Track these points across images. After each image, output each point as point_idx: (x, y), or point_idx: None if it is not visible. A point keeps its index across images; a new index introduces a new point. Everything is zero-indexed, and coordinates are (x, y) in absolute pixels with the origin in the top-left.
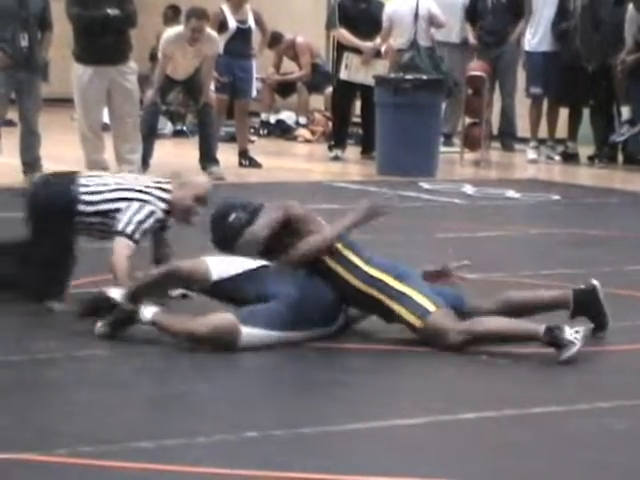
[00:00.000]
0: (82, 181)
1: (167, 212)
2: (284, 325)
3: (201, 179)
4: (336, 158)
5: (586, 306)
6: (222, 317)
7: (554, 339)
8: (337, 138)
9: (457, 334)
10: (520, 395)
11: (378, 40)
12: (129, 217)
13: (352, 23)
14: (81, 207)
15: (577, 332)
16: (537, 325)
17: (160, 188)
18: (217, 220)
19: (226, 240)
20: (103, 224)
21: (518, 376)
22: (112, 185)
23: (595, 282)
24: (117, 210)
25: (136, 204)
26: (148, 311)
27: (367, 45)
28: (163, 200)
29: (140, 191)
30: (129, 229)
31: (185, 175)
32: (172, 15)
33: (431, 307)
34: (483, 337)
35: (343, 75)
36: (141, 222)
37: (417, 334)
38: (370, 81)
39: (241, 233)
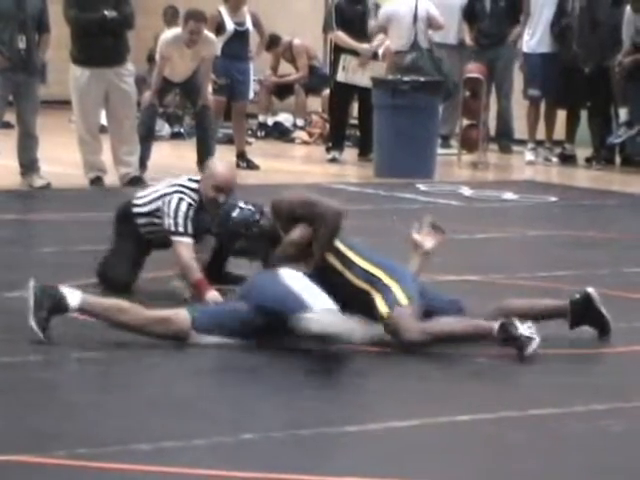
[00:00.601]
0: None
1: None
2: (249, 329)
3: (220, 168)
4: (334, 160)
5: (584, 315)
6: (176, 316)
7: (509, 335)
8: (334, 140)
9: (416, 333)
10: (517, 397)
11: (375, 42)
12: (172, 215)
13: (349, 25)
14: (134, 209)
15: (530, 327)
16: (491, 323)
17: (191, 179)
18: (222, 220)
19: (231, 237)
20: (152, 224)
21: (515, 378)
22: (156, 186)
23: (589, 289)
24: (157, 209)
25: (169, 198)
26: (74, 297)
27: (364, 47)
28: (195, 190)
29: (173, 185)
30: (180, 228)
31: (208, 165)
32: (172, 15)
33: (403, 300)
34: (439, 338)
35: (340, 77)
36: (185, 216)
37: (384, 327)
38: (367, 83)
39: (247, 230)
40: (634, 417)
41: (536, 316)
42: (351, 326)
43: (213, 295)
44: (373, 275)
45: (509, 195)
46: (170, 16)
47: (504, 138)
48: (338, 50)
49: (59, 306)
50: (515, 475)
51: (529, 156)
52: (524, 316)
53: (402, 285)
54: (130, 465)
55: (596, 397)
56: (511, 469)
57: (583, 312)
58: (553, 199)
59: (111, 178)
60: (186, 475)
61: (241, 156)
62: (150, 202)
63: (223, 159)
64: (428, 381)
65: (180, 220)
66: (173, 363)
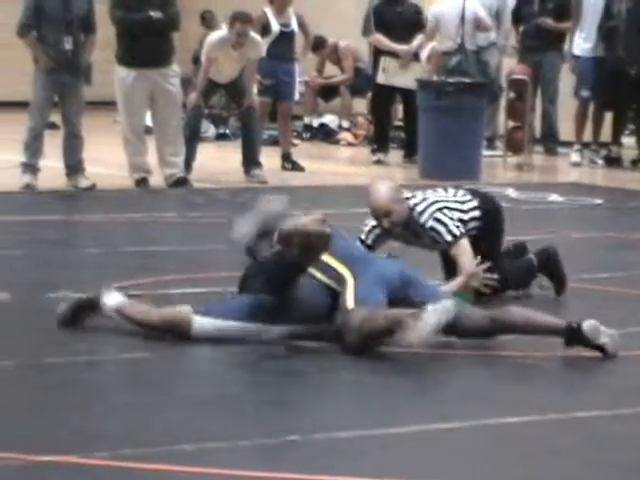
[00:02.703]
0: None
1: None
2: (251, 317)
3: (367, 194)
4: (379, 162)
5: (577, 343)
6: (176, 310)
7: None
8: (379, 142)
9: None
10: (564, 399)
11: (415, 42)
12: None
13: (388, 27)
14: None
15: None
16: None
17: None
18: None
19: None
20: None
21: (562, 380)
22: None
23: (586, 323)
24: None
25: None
26: (112, 299)
27: (404, 48)
28: None
29: None
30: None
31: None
32: (209, 19)
33: (350, 304)
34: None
35: (380, 79)
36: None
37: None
38: (408, 84)
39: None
40: None
41: (532, 331)
42: None
43: None
44: (338, 272)
45: (554, 197)
46: (208, 21)
47: (549, 140)
48: (378, 52)
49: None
50: (561, 478)
51: (575, 157)
52: (520, 330)
53: (358, 284)
54: (173, 466)
55: None
56: (557, 472)
57: (575, 341)
58: (598, 201)
59: (156, 179)
60: (229, 476)
61: (286, 158)
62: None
63: (376, 180)
64: (473, 383)
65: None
66: (215, 364)
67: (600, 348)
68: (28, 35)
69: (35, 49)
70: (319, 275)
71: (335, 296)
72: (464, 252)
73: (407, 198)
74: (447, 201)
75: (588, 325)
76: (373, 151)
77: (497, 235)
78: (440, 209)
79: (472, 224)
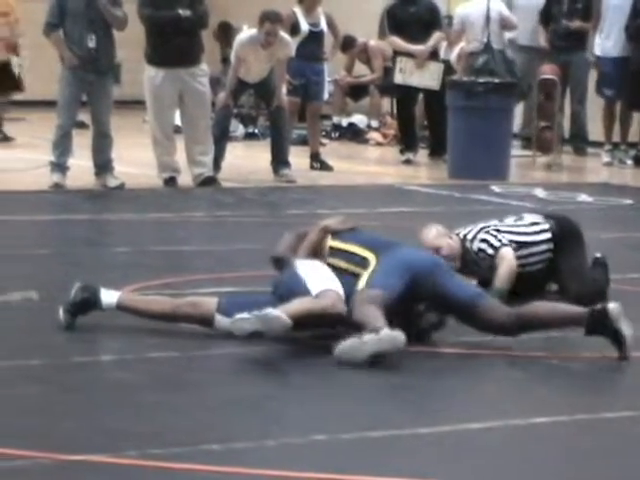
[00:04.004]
0: None
1: None
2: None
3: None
4: (408, 161)
5: (599, 328)
6: (204, 300)
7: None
8: (406, 142)
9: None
10: (592, 400)
11: (431, 42)
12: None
13: (402, 28)
14: None
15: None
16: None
17: None
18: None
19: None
20: None
21: (590, 381)
22: None
23: (610, 305)
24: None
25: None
26: (110, 296)
27: (419, 48)
28: None
29: None
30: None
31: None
32: (224, 30)
33: (360, 284)
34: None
35: (398, 79)
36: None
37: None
38: (426, 84)
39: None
40: None
41: (557, 324)
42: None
43: None
44: (364, 258)
45: (583, 197)
46: (221, 32)
47: (578, 140)
48: (395, 53)
49: (93, 304)
50: (587, 478)
51: (606, 157)
52: (544, 324)
53: (376, 267)
54: (201, 465)
55: None
56: (586, 473)
57: (598, 326)
58: (628, 202)
59: (185, 178)
60: (256, 476)
61: (315, 157)
62: None
63: (428, 226)
64: (501, 383)
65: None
66: (242, 364)
67: (617, 333)
68: (53, 34)
69: (60, 47)
70: (344, 264)
71: None
72: (503, 259)
73: (457, 233)
74: (498, 225)
75: (613, 307)
76: (402, 151)
77: (575, 255)
78: (486, 231)
79: (543, 246)
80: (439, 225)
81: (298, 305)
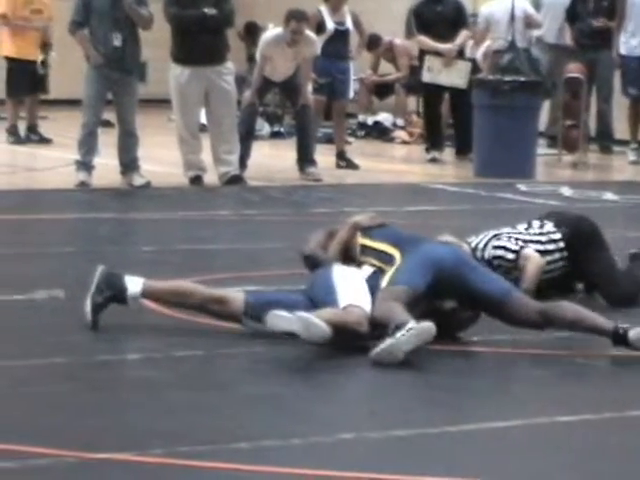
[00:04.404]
0: None
1: None
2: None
3: None
4: (434, 160)
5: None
6: (233, 299)
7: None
8: (432, 140)
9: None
10: (618, 398)
11: (458, 40)
12: None
13: (429, 27)
14: None
15: None
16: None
17: None
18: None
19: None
20: None
21: (615, 378)
22: None
23: (632, 331)
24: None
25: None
26: (136, 285)
27: (447, 47)
28: None
29: None
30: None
31: None
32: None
33: (384, 282)
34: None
35: (425, 77)
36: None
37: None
38: (453, 82)
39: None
40: None
41: (580, 329)
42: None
43: None
44: (391, 255)
45: (609, 195)
46: (247, 33)
47: (604, 139)
48: (423, 52)
49: (118, 297)
50: (616, 478)
51: (632, 156)
52: (568, 327)
53: (401, 265)
54: (228, 464)
55: None
56: (612, 471)
57: (622, 344)
58: None
59: (211, 177)
60: (284, 474)
61: (341, 155)
62: None
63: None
64: (526, 381)
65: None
66: (268, 362)
67: None
68: (78, 32)
69: (85, 46)
70: (376, 263)
71: None
72: (528, 259)
73: (469, 242)
74: (510, 232)
75: (634, 334)
76: (427, 149)
77: (598, 258)
78: (499, 238)
79: (556, 255)
80: (450, 235)
81: (328, 314)
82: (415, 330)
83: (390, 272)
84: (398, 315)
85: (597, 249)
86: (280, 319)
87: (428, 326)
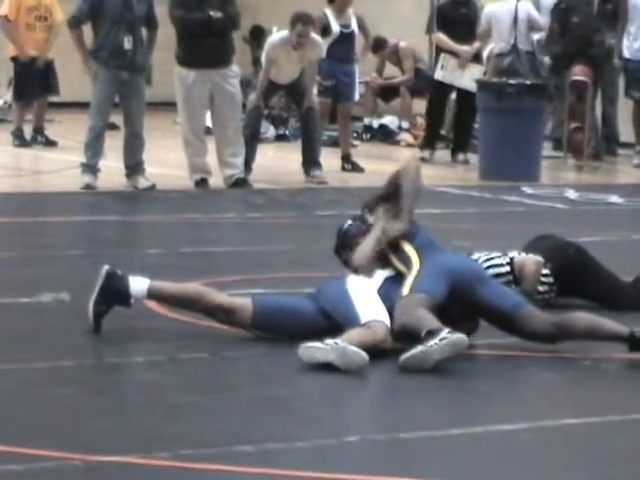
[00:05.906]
0: None
1: None
2: (311, 331)
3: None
4: (422, 160)
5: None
6: (240, 310)
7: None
8: (428, 139)
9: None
10: (623, 400)
11: (476, 44)
12: None
13: (451, 27)
14: None
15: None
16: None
17: None
18: (337, 231)
19: (340, 248)
20: None
21: (622, 381)
22: None
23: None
24: None
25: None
26: (141, 286)
27: (464, 49)
28: None
29: None
30: None
31: None
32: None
33: (405, 290)
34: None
35: (438, 75)
36: None
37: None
38: (465, 84)
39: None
40: None
41: (595, 338)
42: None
43: None
44: (408, 257)
45: (614, 198)
46: (252, 37)
47: (610, 142)
48: (439, 50)
49: (122, 301)
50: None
51: (636, 159)
52: (583, 336)
53: (420, 271)
54: (233, 467)
55: None
56: (615, 474)
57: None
58: None
59: (216, 180)
60: (289, 477)
61: (346, 158)
62: None
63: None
64: (532, 384)
65: None
66: (273, 365)
67: None
68: (75, 30)
69: (78, 47)
70: (397, 263)
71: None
72: (523, 262)
73: None
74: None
75: None
76: (421, 147)
77: (590, 274)
78: (486, 260)
79: (547, 287)
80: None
81: (356, 336)
82: (449, 340)
83: (410, 279)
84: (429, 322)
85: (590, 271)
86: (315, 351)
87: (461, 338)
